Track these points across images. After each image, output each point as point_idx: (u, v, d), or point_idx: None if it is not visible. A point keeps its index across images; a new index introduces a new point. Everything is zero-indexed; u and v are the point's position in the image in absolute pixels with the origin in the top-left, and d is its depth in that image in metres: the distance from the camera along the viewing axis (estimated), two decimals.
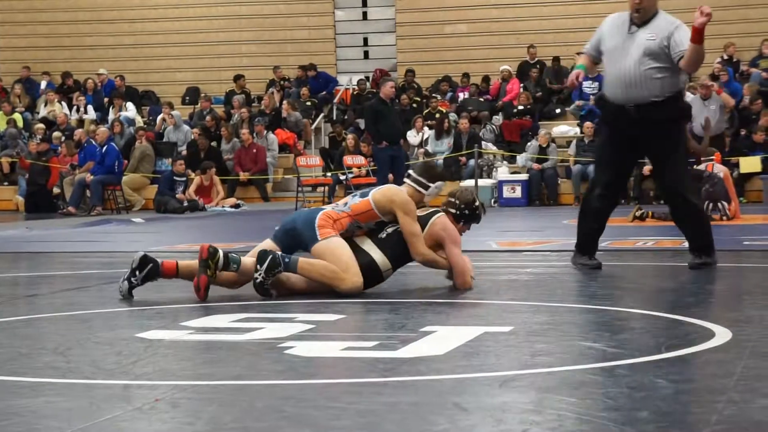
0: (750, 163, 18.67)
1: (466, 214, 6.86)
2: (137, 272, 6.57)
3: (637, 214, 13.44)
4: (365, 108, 18.98)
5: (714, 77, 20.25)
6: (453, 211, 6.85)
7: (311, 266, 6.54)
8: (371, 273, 6.63)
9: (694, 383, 3.83)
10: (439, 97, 22.41)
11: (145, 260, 6.57)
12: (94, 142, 20.06)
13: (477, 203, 6.92)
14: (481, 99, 22.45)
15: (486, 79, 23.10)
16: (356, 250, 6.66)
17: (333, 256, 6.54)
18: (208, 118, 22.32)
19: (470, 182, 18.66)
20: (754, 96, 19.86)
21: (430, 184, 6.89)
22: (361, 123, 21.75)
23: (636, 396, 3.64)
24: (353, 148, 19.88)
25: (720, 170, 13.49)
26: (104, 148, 19.56)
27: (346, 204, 6.84)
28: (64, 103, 23.86)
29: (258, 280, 6.48)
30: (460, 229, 6.88)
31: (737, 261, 8.69)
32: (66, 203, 19.65)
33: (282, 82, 24.12)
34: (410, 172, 7.01)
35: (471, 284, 6.73)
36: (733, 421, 3.28)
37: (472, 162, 19.80)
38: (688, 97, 13.97)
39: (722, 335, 4.77)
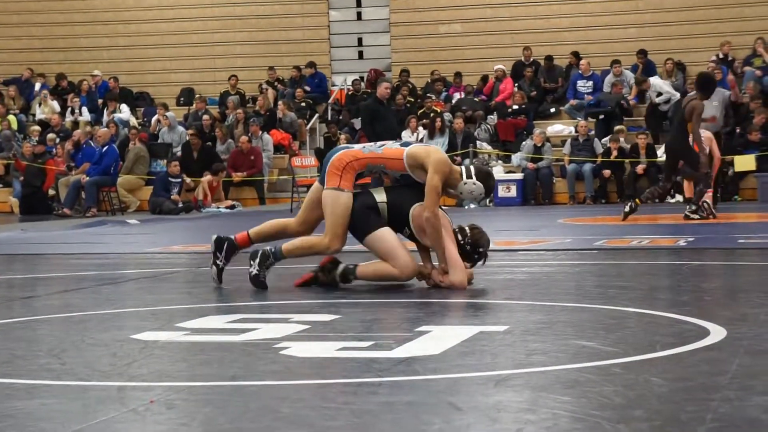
0: (744, 162, 18.70)
1: (467, 250, 6.77)
2: (218, 254, 6.99)
3: (626, 210, 13.35)
4: (361, 108, 19.00)
5: None
6: (459, 239, 6.78)
7: (293, 245, 6.90)
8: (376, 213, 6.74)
9: (688, 381, 3.84)
10: (433, 96, 22.41)
11: (219, 241, 7.04)
12: (92, 144, 20.04)
13: (482, 251, 6.81)
14: (476, 99, 22.44)
15: (484, 78, 23.11)
16: (365, 194, 6.82)
17: (331, 213, 6.74)
18: (205, 117, 22.31)
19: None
20: (756, 95, 19.89)
21: (471, 180, 6.79)
22: (357, 123, 21.76)
23: (630, 394, 3.64)
24: None
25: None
26: (104, 149, 19.55)
27: (381, 146, 6.88)
28: (56, 103, 23.82)
29: (253, 273, 6.81)
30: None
31: (732, 259, 8.71)
32: (61, 205, 19.64)
33: (276, 83, 24.11)
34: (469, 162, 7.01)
35: (465, 284, 6.71)
36: (728, 419, 3.28)
37: (467, 162, 19.80)
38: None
39: (717, 333, 4.78)
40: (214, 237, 7.09)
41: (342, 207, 6.70)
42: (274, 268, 6.98)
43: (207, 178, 19.89)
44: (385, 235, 6.68)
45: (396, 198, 6.76)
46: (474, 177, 6.81)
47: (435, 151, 6.85)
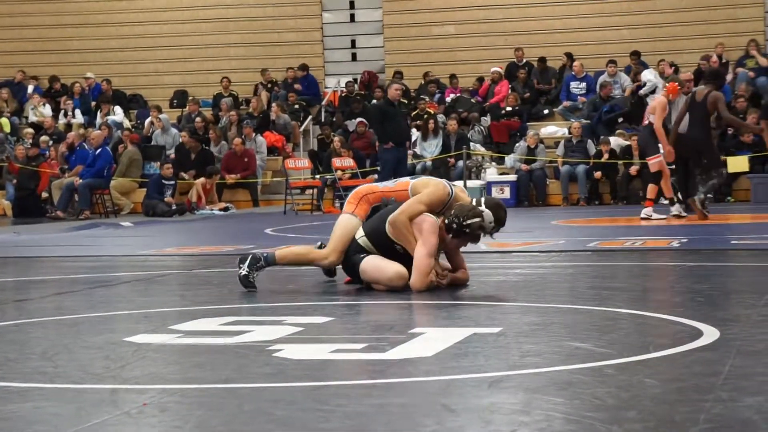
0: (737, 163, 18.73)
1: (453, 227, 6.73)
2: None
3: (678, 213, 13.32)
4: (371, 108, 19.13)
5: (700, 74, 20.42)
6: (446, 221, 6.77)
7: (289, 252, 7.20)
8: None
9: (681, 382, 3.84)
10: (427, 98, 22.42)
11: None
12: (86, 146, 20.02)
13: (469, 222, 6.70)
14: (473, 100, 22.45)
15: (480, 79, 23.13)
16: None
17: (338, 230, 7.02)
18: (198, 119, 22.29)
19: (459, 183, 18.65)
20: (748, 96, 19.92)
21: (480, 207, 6.76)
22: (350, 125, 21.77)
23: (624, 396, 3.65)
24: (340, 150, 19.89)
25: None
26: (98, 151, 19.53)
27: (395, 181, 7.30)
28: (48, 106, 23.78)
29: (243, 273, 6.94)
30: (451, 242, 6.81)
31: (725, 260, 8.72)
32: (54, 207, 19.62)
33: (270, 85, 24.10)
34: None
35: (423, 287, 6.64)
36: (721, 419, 3.29)
37: (460, 163, 19.81)
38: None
39: (710, 334, 4.78)
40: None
41: (349, 228, 7.01)
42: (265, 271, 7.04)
43: (201, 180, 19.89)
44: (367, 261, 6.84)
45: (371, 225, 6.93)
46: (483, 205, 6.81)
47: (433, 183, 7.00)
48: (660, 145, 13.50)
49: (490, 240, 7.04)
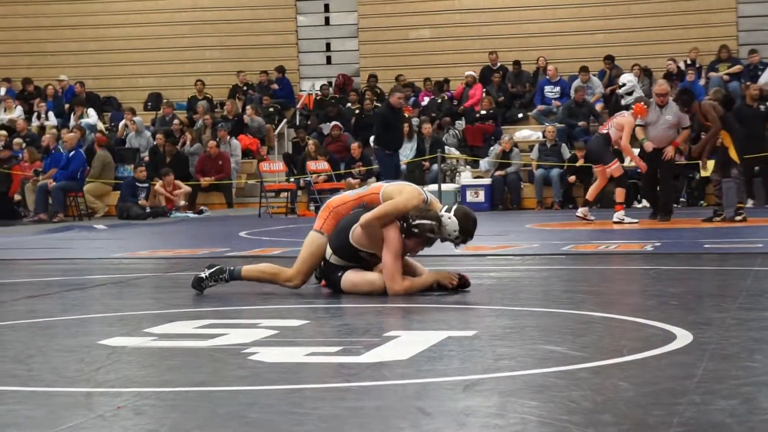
0: (710, 167, 18.77)
1: (403, 227, 6.64)
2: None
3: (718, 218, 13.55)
4: (375, 114, 19.33)
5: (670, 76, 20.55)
6: (400, 222, 6.67)
7: (255, 269, 7.10)
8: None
9: (655, 386, 3.86)
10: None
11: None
12: (61, 149, 19.92)
13: (417, 224, 6.59)
14: (446, 101, 22.44)
15: (447, 80, 23.14)
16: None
17: (304, 251, 6.98)
18: (175, 122, 22.22)
19: (433, 186, 18.70)
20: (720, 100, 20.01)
21: (448, 214, 6.73)
22: (325, 128, 21.75)
23: (598, 399, 3.66)
24: (315, 153, 19.88)
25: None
26: (71, 154, 19.44)
27: (367, 187, 7.29)
28: (20, 108, 23.64)
29: (200, 276, 6.96)
30: (407, 244, 6.70)
31: (698, 264, 8.76)
32: (27, 210, 19.52)
33: (245, 87, 24.05)
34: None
35: (401, 290, 6.63)
36: (694, 422, 3.30)
37: (435, 167, 19.83)
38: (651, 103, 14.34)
39: (683, 338, 4.81)
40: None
41: (315, 248, 6.95)
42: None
43: (158, 184, 19.76)
44: (346, 278, 6.82)
45: (336, 242, 6.85)
46: (452, 213, 6.77)
47: (412, 189, 6.91)
48: (612, 153, 14.02)
49: (456, 249, 7.01)
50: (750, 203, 17.26)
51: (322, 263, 6.95)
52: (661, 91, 14.27)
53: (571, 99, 21.42)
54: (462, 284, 6.81)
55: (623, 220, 13.72)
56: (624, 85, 20.27)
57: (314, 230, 7.02)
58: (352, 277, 6.80)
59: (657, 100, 14.13)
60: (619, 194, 14.09)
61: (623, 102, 19.48)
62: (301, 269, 6.94)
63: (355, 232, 6.75)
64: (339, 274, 6.83)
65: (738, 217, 13.45)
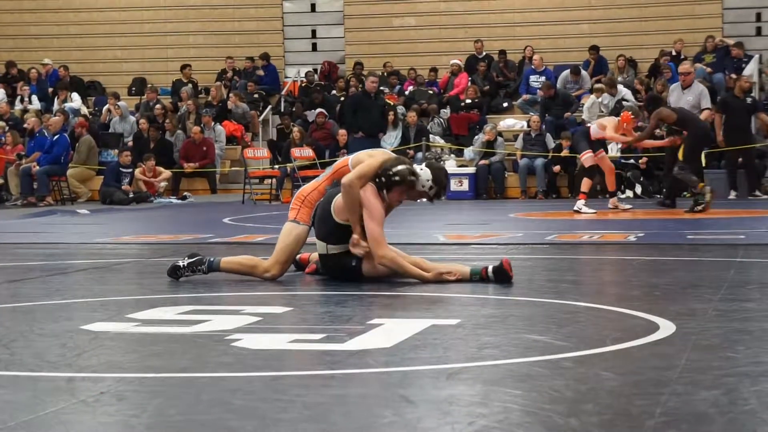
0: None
1: (382, 181, 6.65)
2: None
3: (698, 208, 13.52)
4: (346, 99, 19.27)
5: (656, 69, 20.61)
6: (375, 180, 6.67)
7: (234, 261, 7.05)
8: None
9: (638, 376, 3.87)
10: (387, 90, 22.40)
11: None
12: (46, 133, 19.83)
13: (394, 171, 6.63)
14: (430, 91, 22.43)
15: (434, 69, 23.14)
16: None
17: (281, 241, 6.92)
18: (157, 107, 22.15)
19: None
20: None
21: (420, 166, 6.78)
22: (310, 115, 21.71)
23: (581, 388, 3.67)
24: (299, 140, 19.85)
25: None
26: (55, 138, 19.36)
27: (332, 167, 7.14)
28: (3, 91, 23.53)
29: (178, 264, 6.93)
30: (389, 198, 6.69)
31: (681, 255, 8.78)
32: (10, 194, 19.44)
33: (231, 73, 23.97)
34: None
35: (386, 257, 6.61)
36: (677, 412, 3.31)
37: (419, 155, 19.82)
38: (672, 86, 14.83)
39: (666, 328, 4.82)
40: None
41: (293, 238, 6.93)
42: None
43: (139, 169, 19.71)
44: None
45: (323, 228, 6.81)
46: (423, 165, 6.83)
47: (381, 150, 7.06)
48: (588, 142, 14.29)
49: (431, 205, 7.03)
50: (732, 195, 17.30)
51: (323, 260, 6.88)
52: (684, 70, 14.66)
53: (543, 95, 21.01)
54: (500, 273, 6.71)
55: (581, 209, 13.94)
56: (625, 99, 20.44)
57: (289, 221, 6.97)
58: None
59: (680, 79, 14.77)
60: (585, 184, 14.42)
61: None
62: (279, 259, 6.91)
63: (337, 205, 6.70)
64: (353, 263, 6.76)
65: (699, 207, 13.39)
